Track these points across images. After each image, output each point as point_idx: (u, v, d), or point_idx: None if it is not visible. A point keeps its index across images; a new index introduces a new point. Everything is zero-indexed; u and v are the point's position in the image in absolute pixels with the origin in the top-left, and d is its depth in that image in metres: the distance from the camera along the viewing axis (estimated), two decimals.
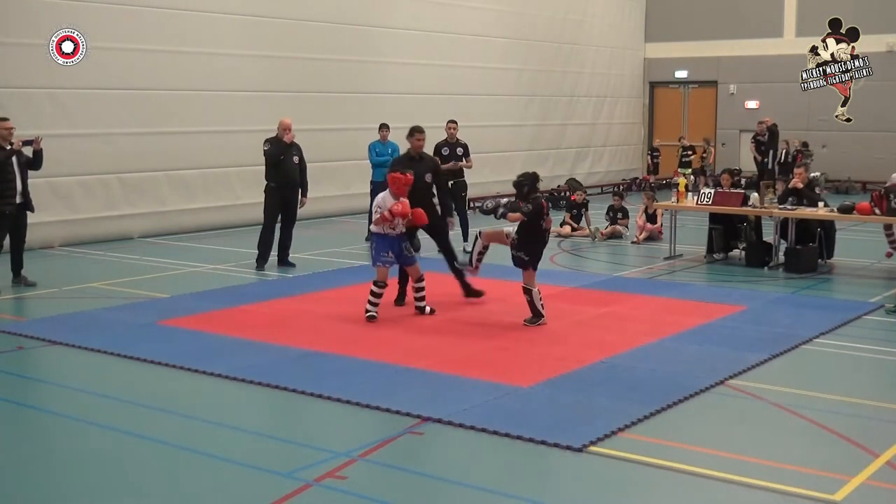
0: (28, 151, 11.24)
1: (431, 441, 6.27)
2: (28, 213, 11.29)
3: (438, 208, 10.46)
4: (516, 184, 9.42)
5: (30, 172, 11.30)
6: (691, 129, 26.40)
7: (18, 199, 11.08)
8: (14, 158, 11.00)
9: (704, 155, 23.90)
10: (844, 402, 7.04)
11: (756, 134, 21.01)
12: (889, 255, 13.03)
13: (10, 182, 10.97)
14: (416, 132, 10.48)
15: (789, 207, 12.88)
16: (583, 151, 25.62)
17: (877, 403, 7.05)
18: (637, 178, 26.11)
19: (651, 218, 15.66)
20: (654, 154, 25.40)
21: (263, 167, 12.60)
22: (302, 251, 13.59)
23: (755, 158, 20.98)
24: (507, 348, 8.52)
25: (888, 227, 13.04)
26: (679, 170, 23.23)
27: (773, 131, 20.50)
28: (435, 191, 10.49)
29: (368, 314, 9.53)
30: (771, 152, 20.34)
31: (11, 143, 11.02)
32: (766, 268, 12.82)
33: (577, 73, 25.24)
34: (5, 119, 11.19)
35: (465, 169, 14.31)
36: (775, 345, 8.58)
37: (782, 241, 13.05)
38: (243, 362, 7.94)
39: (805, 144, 20.98)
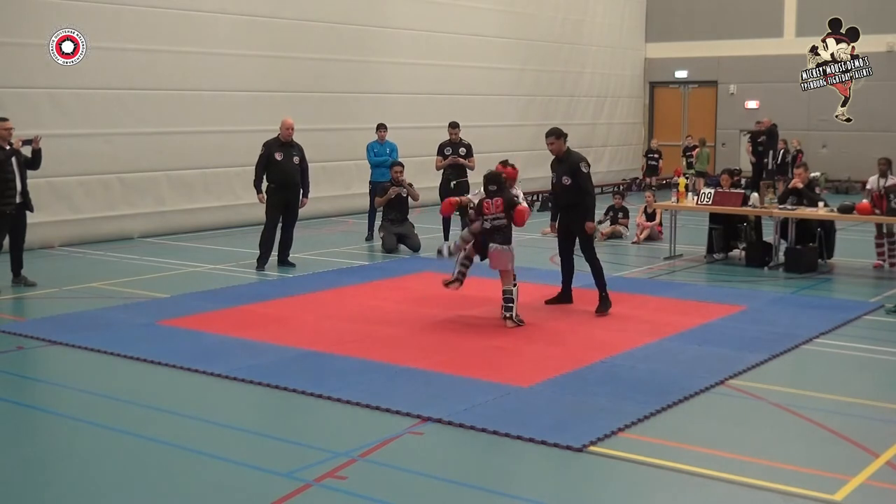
0: (27, 151, 11.23)
1: (431, 441, 6.26)
2: (28, 212, 11.29)
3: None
4: (486, 177, 9.50)
5: (29, 172, 11.30)
6: (691, 130, 26.35)
7: (18, 199, 11.07)
8: (13, 158, 11.01)
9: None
10: (844, 402, 7.04)
11: (753, 134, 20.99)
12: (877, 266, 12.96)
13: (10, 182, 10.96)
14: (546, 136, 10.39)
15: (789, 207, 12.88)
16: (583, 151, 25.34)
17: (877, 403, 7.04)
18: (637, 178, 26.02)
19: (650, 216, 15.66)
20: (652, 156, 24.16)
21: None
22: (302, 251, 13.58)
23: (750, 160, 20.97)
24: (507, 348, 8.52)
25: (879, 235, 13.02)
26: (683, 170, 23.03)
27: (772, 132, 20.49)
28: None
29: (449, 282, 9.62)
30: (770, 153, 20.34)
31: (11, 143, 11.02)
32: (766, 268, 12.82)
33: (578, 73, 25.24)
34: (5, 119, 11.18)
35: (468, 169, 14.31)
36: (775, 345, 8.58)
37: (782, 241, 13.05)
38: (243, 362, 7.94)
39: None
